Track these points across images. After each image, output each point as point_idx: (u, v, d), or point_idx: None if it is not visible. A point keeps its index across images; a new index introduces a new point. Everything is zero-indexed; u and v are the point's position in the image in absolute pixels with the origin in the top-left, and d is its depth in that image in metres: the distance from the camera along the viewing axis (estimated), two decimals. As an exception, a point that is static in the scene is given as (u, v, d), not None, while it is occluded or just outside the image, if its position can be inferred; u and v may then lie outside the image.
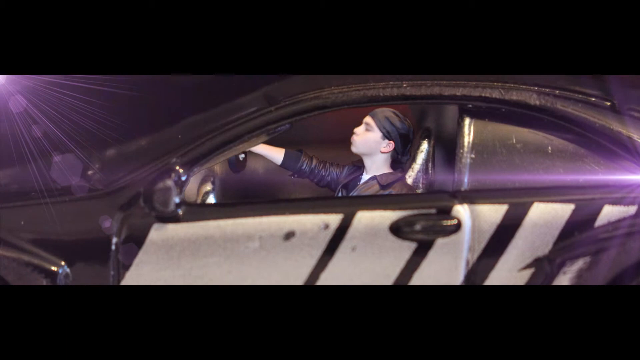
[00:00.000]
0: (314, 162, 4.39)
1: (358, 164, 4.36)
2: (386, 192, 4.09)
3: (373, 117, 4.17)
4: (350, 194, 4.24)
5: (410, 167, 4.49)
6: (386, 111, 4.18)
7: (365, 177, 4.23)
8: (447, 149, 4.36)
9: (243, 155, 4.35)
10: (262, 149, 4.36)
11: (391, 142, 4.16)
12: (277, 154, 4.38)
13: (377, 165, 4.21)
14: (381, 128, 4.15)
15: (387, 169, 4.20)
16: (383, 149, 4.17)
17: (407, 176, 4.45)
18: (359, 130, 4.20)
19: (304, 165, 4.38)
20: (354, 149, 4.21)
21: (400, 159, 4.23)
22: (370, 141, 4.17)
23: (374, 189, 4.12)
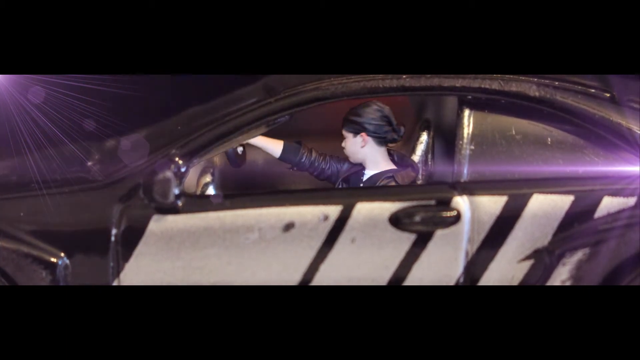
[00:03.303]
0: (314, 154, 4.34)
1: None
2: None
3: (342, 126, 4.17)
4: None
5: (415, 162, 4.48)
6: (349, 112, 4.15)
7: (368, 172, 4.19)
8: (446, 140, 4.36)
9: (242, 149, 4.33)
10: (260, 141, 4.29)
11: (362, 134, 4.12)
12: (275, 147, 4.32)
13: (372, 160, 4.18)
14: (348, 130, 4.14)
15: (386, 162, 4.18)
16: (361, 144, 4.13)
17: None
18: (343, 144, 4.20)
19: (304, 158, 4.33)
20: (351, 160, 4.23)
21: (390, 140, 4.17)
22: (351, 147, 4.16)
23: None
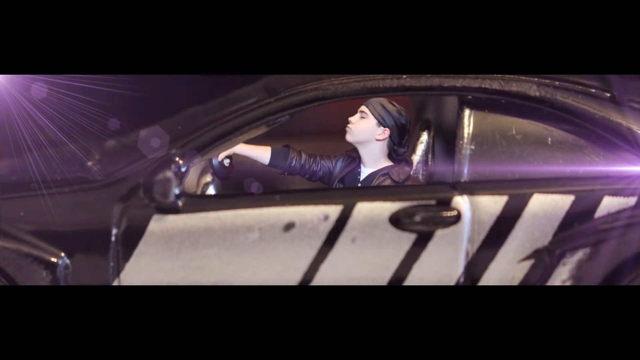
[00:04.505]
0: (303, 156, 4.28)
1: (352, 155, 4.27)
2: None
3: (368, 105, 4.12)
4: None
5: (411, 159, 4.47)
6: (381, 99, 4.12)
7: (364, 170, 4.18)
8: (447, 140, 4.36)
9: (228, 161, 4.26)
10: (246, 149, 4.23)
11: (386, 129, 4.09)
12: (263, 154, 4.26)
13: (374, 155, 4.15)
14: (376, 115, 4.10)
15: (384, 160, 4.16)
16: (378, 137, 4.10)
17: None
18: (354, 118, 4.13)
19: (294, 162, 4.26)
20: (349, 137, 4.14)
21: (396, 150, 4.15)
22: (365, 129, 4.11)
23: (387, 184, 4.06)
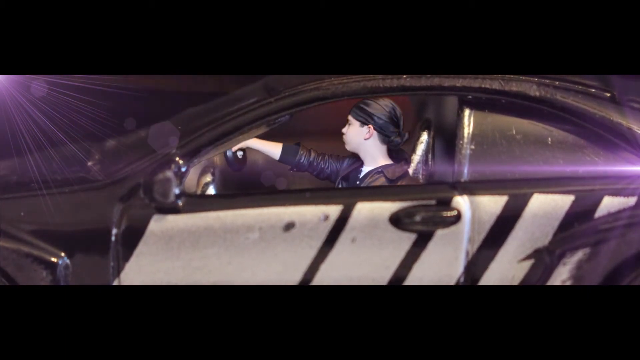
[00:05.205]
0: (312, 154, 4.35)
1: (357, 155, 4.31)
2: None
3: (350, 111, 4.16)
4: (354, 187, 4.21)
5: (410, 158, 4.48)
6: (364, 100, 4.13)
7: (365, 168, 4.21)
8: (447, 140, 4.37)
9: (242, 153, 4.32)
10: (258, 144, 4.32)
11: (369, 126, 4.11)
12: (274, 149, 4.34)
13: (371, 155, 4.17)
14: (357, 117, 4.13)
15: (385, 159, 4.18)
16: (365, 136, 4.12)
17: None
18: (344, 129, 4.20)
19: (303, 159, 4.34)
20: (347, 146, 4.21)
21: (392, 142, 4.16)
22: (353, 134, 4.16)
23: (381, 182, 4.10)
